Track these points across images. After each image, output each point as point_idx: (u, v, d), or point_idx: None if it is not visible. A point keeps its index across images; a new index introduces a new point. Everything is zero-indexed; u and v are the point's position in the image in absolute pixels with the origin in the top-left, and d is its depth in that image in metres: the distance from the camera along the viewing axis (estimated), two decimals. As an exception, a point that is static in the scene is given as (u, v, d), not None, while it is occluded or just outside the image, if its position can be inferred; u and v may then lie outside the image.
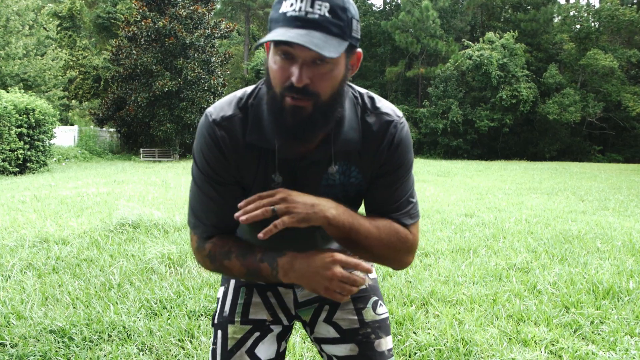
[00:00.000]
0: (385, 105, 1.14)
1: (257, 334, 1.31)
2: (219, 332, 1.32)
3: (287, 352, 1.43)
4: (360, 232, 1.07)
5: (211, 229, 1.14)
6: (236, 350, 1.29)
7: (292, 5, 0.92)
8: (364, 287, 1.37)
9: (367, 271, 0.97)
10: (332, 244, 1.31)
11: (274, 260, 1.04)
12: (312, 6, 0.91)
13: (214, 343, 1.32)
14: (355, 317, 1.33)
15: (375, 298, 1.37)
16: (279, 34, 0.90)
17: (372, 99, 1.14)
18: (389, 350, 1.33)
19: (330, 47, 0.90)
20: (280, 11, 0.94)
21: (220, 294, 1.39)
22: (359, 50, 1.03)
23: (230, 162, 1.09)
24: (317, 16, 0.91)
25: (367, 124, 1.11)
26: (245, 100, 1.10)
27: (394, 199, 1.14)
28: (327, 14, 0.92)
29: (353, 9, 0.96)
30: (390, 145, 1.11)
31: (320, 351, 1.37)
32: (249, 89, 1.13)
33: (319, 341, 1.36)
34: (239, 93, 1.13)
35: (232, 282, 1.38)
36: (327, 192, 1.12)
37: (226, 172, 1.10)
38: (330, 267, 0.98)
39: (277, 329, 1.34)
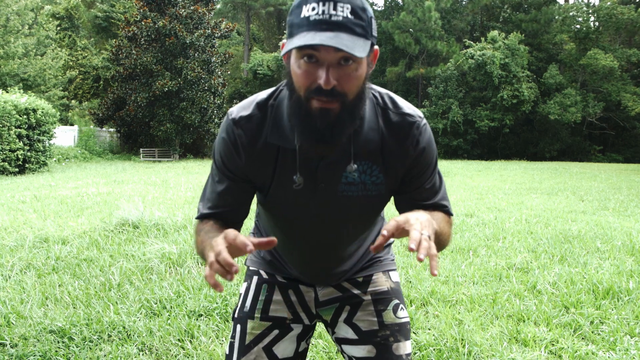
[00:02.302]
0: (406, 105, 1.15)
1: (276, 331, 1.32)
2: (238, 327, 1.34)
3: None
4: (443, 229, 1.12)
5: (206, 214, 1.21)
6: (253, 346, 1.30)
7: (314, 9, 0.93)
8: (385, 289, 1.38)
9: (235, 271, 0.89)
10: (353, 245, 1.31)
11: (210, 239, 1.06)
12: (334, 9, 0.92)
13: (232, 337, 1.35)
14: (375, 319, 1.33)
15: (396, 301, 1.37)
16: (309, 38, 0.91)
17: (392, 99, 1.15)
18: (407, 354, 1.32)
19: (359, 47, 0.92)
20: (302, 15, 0.95)
21: (242, 289, 1.42)
22: (377, 47, 1.04)
23: (245, 161, 1.13)
24: (340, 18, 0.93)
25: (389, 125, 1.12)
26: (265, 101, 1.12)
27: (433, 192, 1.20)
28: (349, 15, 0.93)
29: (370, 8, 0.98)
30: (416, 147, 1.13)
31: (342, 352, 1.38)
32: (271, 90, 1.16)
33: (339, 342, 1.37)
34: (261, 94, 1.16)
35: (255, 278, 1.41)
36: (346, 190, 1.14)
37: (238, 170, 1.14)
38: (214, 249, 0.92)
39: (297, 329, 1.35)
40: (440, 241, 1.12)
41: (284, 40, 1.01)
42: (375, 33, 1.00)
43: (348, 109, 0.99)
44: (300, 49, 0.94)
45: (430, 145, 1.16)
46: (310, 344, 2.54)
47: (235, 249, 0.90)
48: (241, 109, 1.13)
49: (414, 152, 1.13)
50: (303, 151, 1.09)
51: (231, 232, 0.92)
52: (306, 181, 1.13)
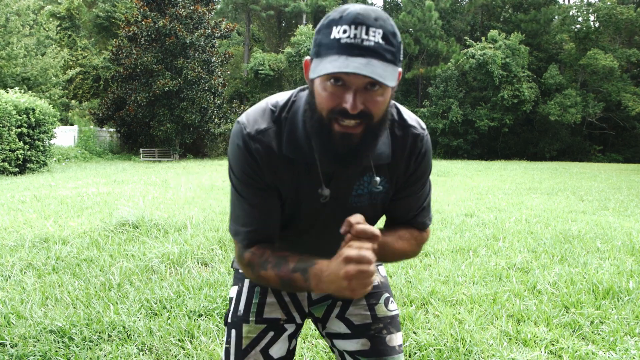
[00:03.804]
0: (411, 117, 1.17)
1: (271, 333, 1.33)
2: (233, 331, 1.34)
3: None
4: (386, 254, 1.17)
5: (251, 236, 1.15)
6: (250, 350, 1.30)
7: (345, 31, 0.91)
8: (376, 283, 1.41)
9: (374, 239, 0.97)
10: None
11: (306, 271, 1.02)
12: (367, 33, 0.91)
13: (227, 342, 1.34)
14: (368, 313, 1.36)
15: (387, 294, 1.41)
16: (341, 63, 0.90)
17: (398, 110, 1.17)
18: (400, 345, 1.36)
19: (390, 76, 0.91)
20: (332, 37, 0.93)
21: (233, 293, 1.41)
22: (400, 69, 1.03)
23: (265, 173, 1.10)
24: (372, 43, 0.91)
25: (395, 137, 1.14)
26: (279, 113, 1.11)
27: (417, 205, 1.23)
28: (381, 41, 0.92)
29: (399, 34, 0.98)
30: (417, 157, 1.16)
31: (332, 346, 1.40)
32: (281, 100, 1.13)
33: (330, 336, 1.38)
34: (271, 103, 1.13)
35: (247, 281, 1.40)
36: (356, 201, 1.17)
37: (263, 179, 1.11)
38: (342, 267, 0.93)
39: (290, 328, 1.36)
40: (386, 253, 1.16)
41: (308, 58, 1.00)
42: (402, 57, 1.00)
43: (372, 132, 0.99)
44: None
45: (429, 157, 1.20)
46: (311, 344, 2.55)
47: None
48: (254, 122, 1.10)
49: (415, 163, 1.17)
50: (323, 166, 1.10)
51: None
52: (317, 192, 1.13)
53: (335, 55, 0.91)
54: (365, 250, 0.92)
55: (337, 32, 0.92)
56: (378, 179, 1.12)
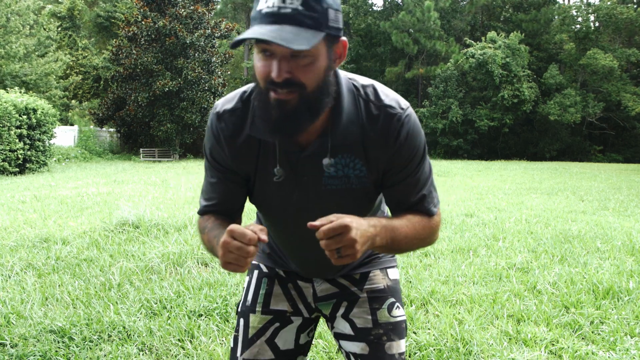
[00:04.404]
0: (390, 97, 1.11)
1: (277, 324, 1.35)
2: (242, 321, 1.37)
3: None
4: (400, 239, 1.10)
5: (206, 209, 1.24)
6: (256, 339, 1.33)
7: (266, 2, 0.94)
8: (381, 287, 1.37)
9: (261, 240, 0.94)
10: None
11: (219, 239, 1.06)
12: (284, 1, 0.92)
13: (236, 330, 1.38)
14: (370, 317, 1.34)
15: (392, 300, 1.37)
16: (252, 32, 0.92)
17: (375, 90, 1.12)
18: (400, 354, 1.32)
19: (302, 40, 0.90)
20: (257, 9, 0.95)
21: (245, 284, 1.45)
22: (343, 38, 1.02)
23: (228, 154, 1.15)
24: (289, 10, 0.92)
25: (370, 117, 1.09)
26: (248, 95, 1.13)
27: (415, 190, 1.16)
28: (299, 7, 0.92)
29: None
30: (397, 139, 1.09)
31: (340, 348, 1.39)
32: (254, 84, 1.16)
33: (337, 337, 1.38)
34: (245, 87, 1.17)
35: (256, 272, 1.43)
36: (330, 183, 1.13)
37: (224, 162, 1.16)
38: (224, 237, 0.95)
39: (297, 321, 1.37)
40: (398, 238, 1.09)
41: None
42: (335, 24, 0.96)
43: (306, 101, 0.98)
44: (256, 43, 0.96)
45: (413, 138, 1.11)
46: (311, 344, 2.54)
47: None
48: (226, 102, 1.15)
49: (395, 145, 1.09)
50: (283, 144, 1.10)
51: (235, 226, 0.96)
52: (288, 174, 1.13)
53: (255, 25, 0.94)
54: (253, 231, 0.93)
55: (260, 4, 0.94)
56: (331, 160, 1.09)
